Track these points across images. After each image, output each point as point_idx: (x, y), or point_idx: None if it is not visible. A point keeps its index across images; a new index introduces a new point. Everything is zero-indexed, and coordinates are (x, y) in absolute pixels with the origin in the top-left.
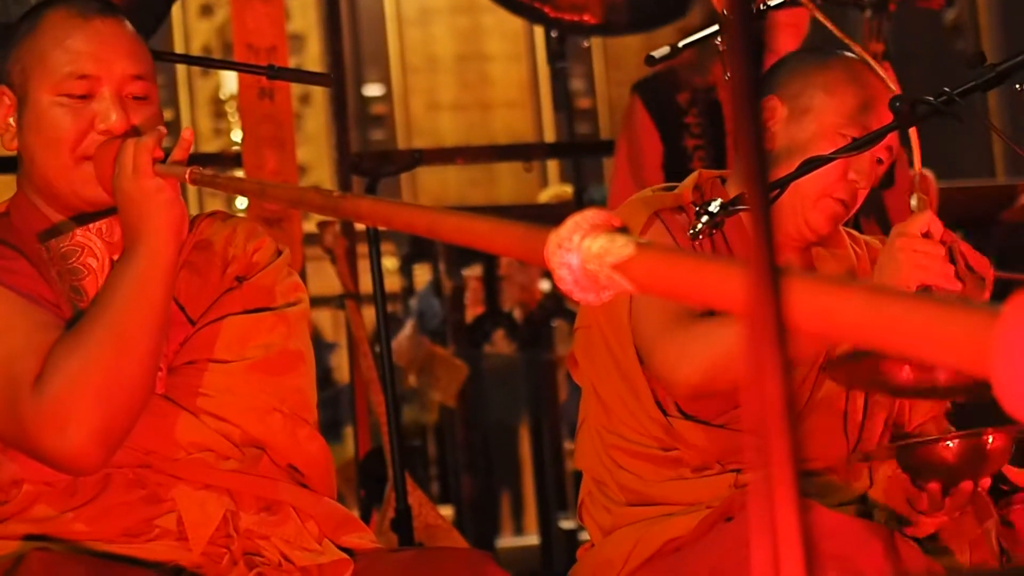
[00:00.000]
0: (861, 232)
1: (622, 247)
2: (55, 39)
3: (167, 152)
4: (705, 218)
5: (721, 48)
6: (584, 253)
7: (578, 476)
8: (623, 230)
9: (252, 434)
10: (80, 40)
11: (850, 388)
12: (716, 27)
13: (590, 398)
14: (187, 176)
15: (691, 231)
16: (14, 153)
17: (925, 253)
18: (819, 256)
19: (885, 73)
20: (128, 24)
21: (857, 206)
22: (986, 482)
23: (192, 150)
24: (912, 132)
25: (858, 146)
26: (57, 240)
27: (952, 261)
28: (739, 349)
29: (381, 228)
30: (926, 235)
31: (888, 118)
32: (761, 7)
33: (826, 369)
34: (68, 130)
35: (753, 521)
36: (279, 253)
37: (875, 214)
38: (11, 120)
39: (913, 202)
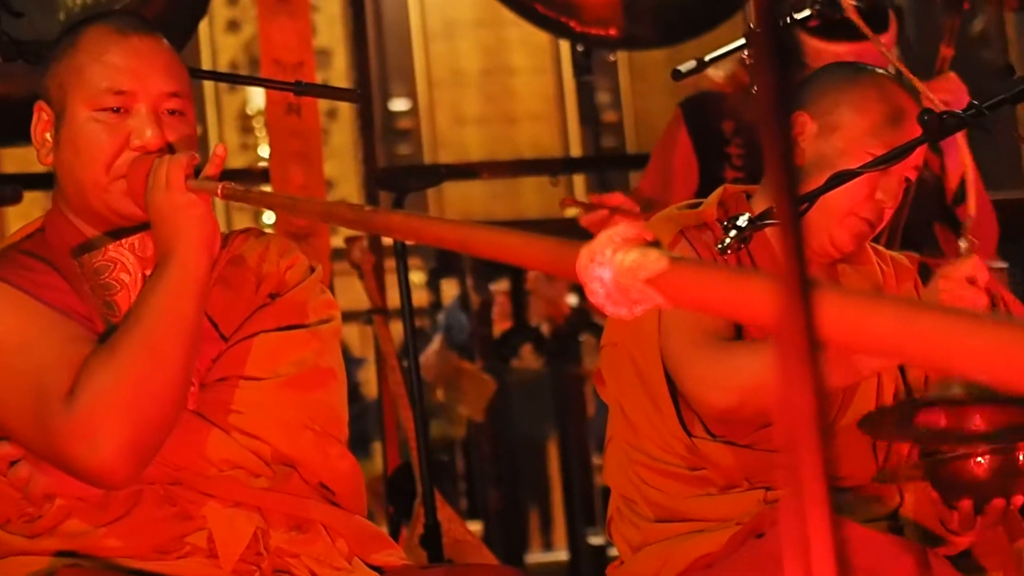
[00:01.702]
0: (939, 247)
1: (655, 261)
2: (93, 55)
3: (199, 168)
4: (733, 232)
5: (748, 62)
6: (617, 267)
7: (606, 491)
8: (655, 244)
9: (283, 451)
10: (117, 56)
11: (890, 441)
12: (743, 41)
13: (617, 416)
14: (219, 191)
15: (719, 245)
16: (50, 169)
17: (967, 300)
18: (844, 272)
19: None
20: (165, 41)
21: (883, 225)
22: (1019, 500)
23: None
24: (970, 173)
25: (887, 160)
26: (90, 255)
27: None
28: (770, 375)
29: (409, 242)
30: (971, 281)
31: (917, 134)
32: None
33: (862, 426)
34: (104, 145)
35: (786, 538)
36: (312, 270)
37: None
38: (48, 135)
39: (962, 245)
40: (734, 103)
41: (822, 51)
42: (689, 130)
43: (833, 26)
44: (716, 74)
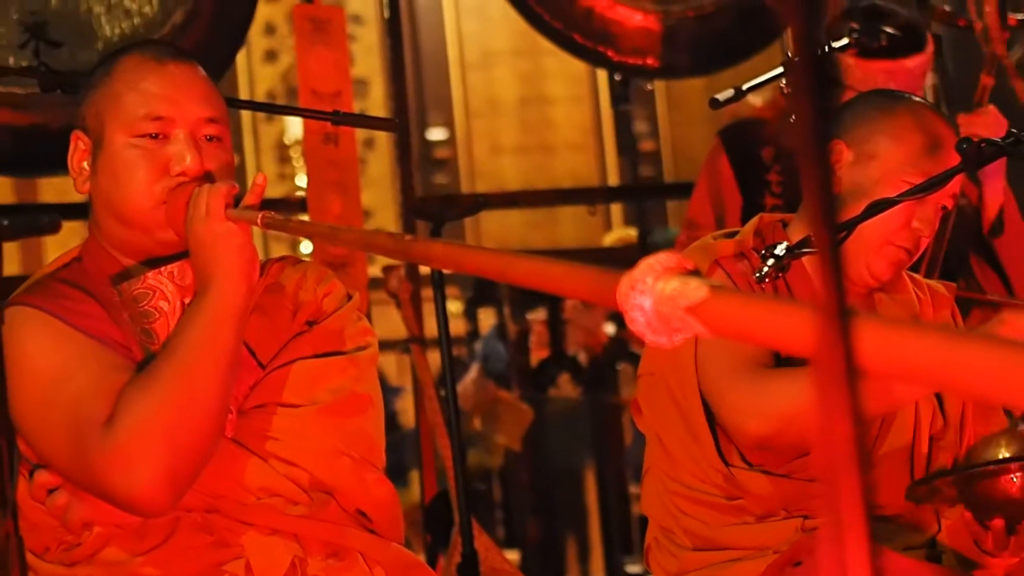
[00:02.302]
0: (975, 277)
1: (695, 290)
2: (130, 82)
3: (239, 197)
4: (771, 261)
5: (786, 91)
6: (657, 295)
7: (644, 519)
8: (696, 273)
9: (320, 479)
10: (154, 83)
11: (940, 505)
12: (780, 69)
13: (654, 445)
14: (259, 220)
15: (757, 274)
16: (87, 197)
17: None
18: (881, 302)
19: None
20: (201, 69)
21: (919, 253)
22: None
23: None
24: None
25: (924, 188)
26: (129, 283)
27: None
28: (808, 403)
29: (446, 272)
30: None
31: (954, 163)
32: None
33: (910, 497)
34: (143, 171)
35: (824, 567)
36: (349, 298)
37: (988, 262)
38: (85, 164)
39: None
40: (773, 130)
41: (852, 67)
42: (729, 158)
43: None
44: (755, 100)
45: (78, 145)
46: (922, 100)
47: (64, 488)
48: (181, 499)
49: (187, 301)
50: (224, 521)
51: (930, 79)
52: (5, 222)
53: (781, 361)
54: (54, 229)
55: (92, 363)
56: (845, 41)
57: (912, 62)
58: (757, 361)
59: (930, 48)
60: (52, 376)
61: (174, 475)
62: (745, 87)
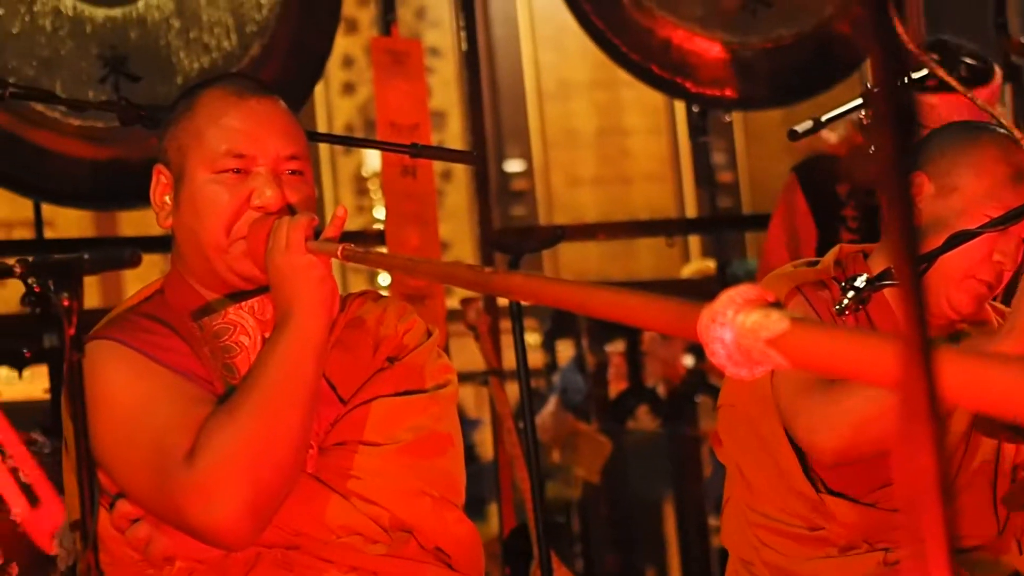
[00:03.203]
0: None
1: (776, 322)
2: (211, 118)
3: (319, 230)
4: (851, 293)
5: (866, 122)
6: (738, 328)
7: (723, 552)
8: (777, 305)
9: (401, 518)
10: (236, 118)
11: None
12: (860, 101)
13: (735, 477)
14: (339, 253)
15: (837, 306)
16: (168, 232)
17: None
18: (965, 333)
19: None
20: (282, 103)
21: (1001, 287)
22: None
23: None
24: None
25: (1005, 220)
26: (210, 318)
27: None
28: (879, 411)
29: (524, 304)
30: None
31: None
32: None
33: (1009, 502)
34: (224, 207)
35: None
36: (429, 334)
37: None
38: (167, 198)
39: None
40: (847, 165)
41: (933, 107)
42: (805, 194)
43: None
44: (829, 136)
45: (160, 179)
46: (1004, 132)
47: (146, 520)
48: (262, 533)
49: (267, 335)
50: (304, 558)
51: (999, 110)
52: (86, 256)
53: None
54: (135, 263)
55: (174, 397)
56: (924, 72)
57: (982, 94)
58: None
59: (997, 80)
60: (134, 410)
61: (255, 508)
62: (824, 118)
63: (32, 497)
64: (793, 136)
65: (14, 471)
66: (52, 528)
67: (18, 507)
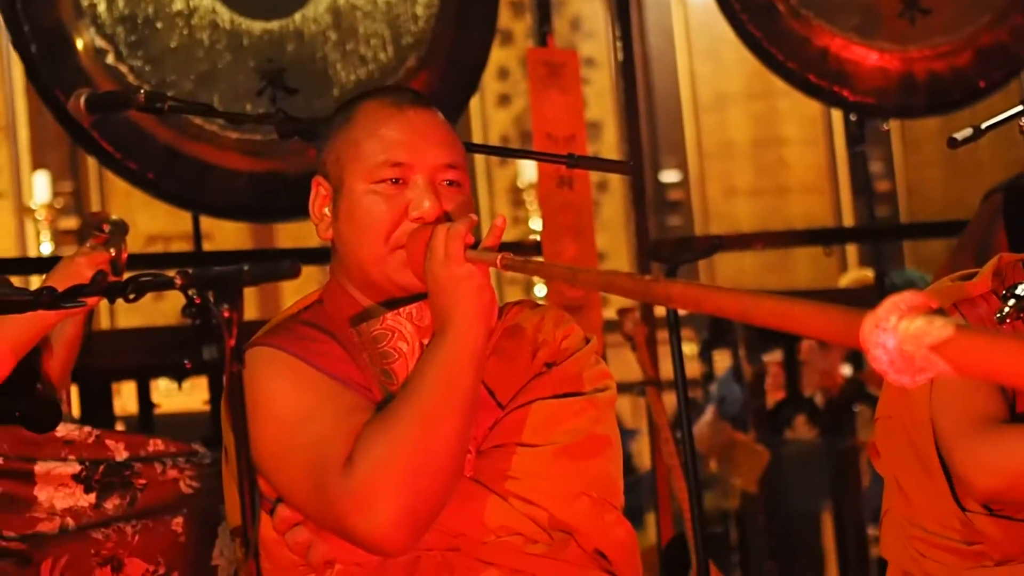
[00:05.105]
0: None
1: (940, 328)
2: (369, 129)
3: (478, 239)
4: (1012, 301)
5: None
6: (901, 334)
7: (882, 562)
8: (941, 311)
9: (560, 518)
10: (394, 129)
11: None
12: (1020, 108)
13: (893, 488)
14: (498, 262)
15: (998, 315)
16: (327, 243)
17: None
18: None
19: None
20: (440, 114)
21: None
22: None
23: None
24: None
25: None
26: (368, 324)
27: None
28: None
29: (681, 313)
30: None
31: None
32: None
33: None
34: (382, 217)
35: None
36: (587, 340)
37: None
38: (327, 210)
39: None
40: None
41: None
42: (1005, 217)
43: None
44: None
45: (319, 191)
46: None
47: (305, 525)
48: (420, 538)
49: (425, 342)
50: (464, 560)
51: None
52: (246, 268)
53: (1016, 417)
54: (294, 275)
55: (333, 403)
56: None
57: None
58: (990, 416)
59: None
60: (294, 416)
61: (414, 515)
62: (984, 126)
63: None
64: (952, 144)
65: None
66: None
67: None
